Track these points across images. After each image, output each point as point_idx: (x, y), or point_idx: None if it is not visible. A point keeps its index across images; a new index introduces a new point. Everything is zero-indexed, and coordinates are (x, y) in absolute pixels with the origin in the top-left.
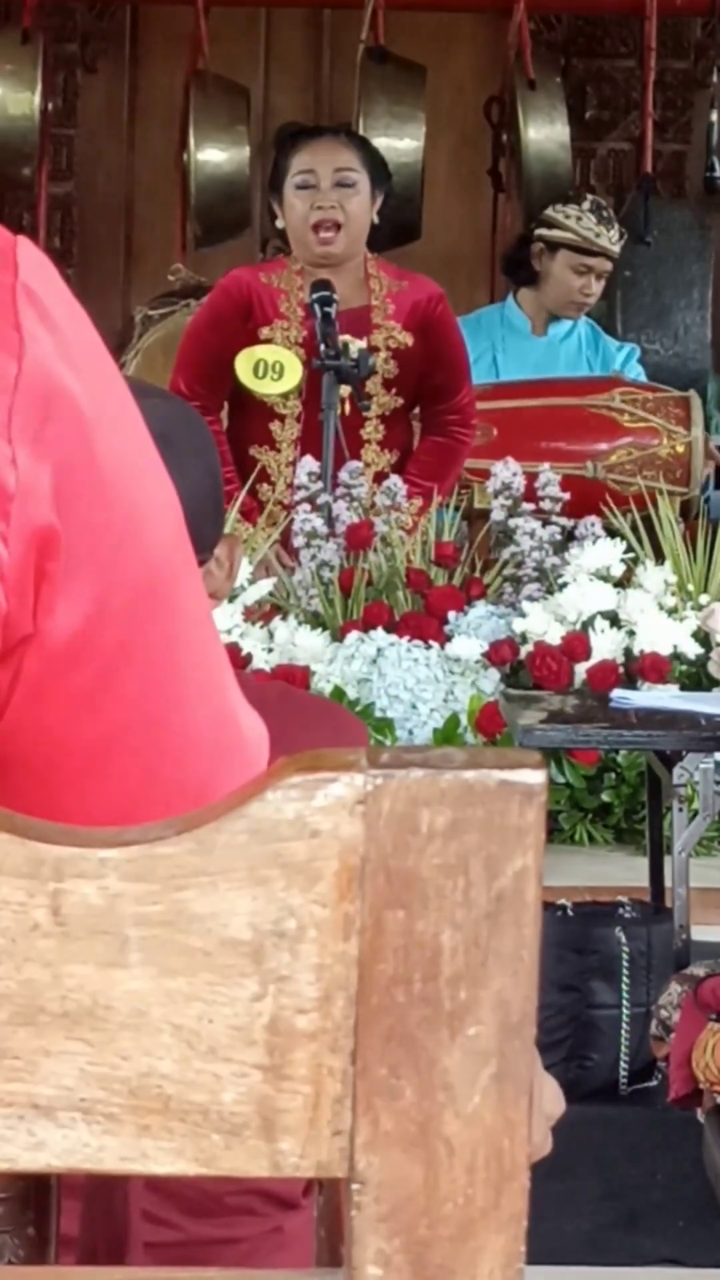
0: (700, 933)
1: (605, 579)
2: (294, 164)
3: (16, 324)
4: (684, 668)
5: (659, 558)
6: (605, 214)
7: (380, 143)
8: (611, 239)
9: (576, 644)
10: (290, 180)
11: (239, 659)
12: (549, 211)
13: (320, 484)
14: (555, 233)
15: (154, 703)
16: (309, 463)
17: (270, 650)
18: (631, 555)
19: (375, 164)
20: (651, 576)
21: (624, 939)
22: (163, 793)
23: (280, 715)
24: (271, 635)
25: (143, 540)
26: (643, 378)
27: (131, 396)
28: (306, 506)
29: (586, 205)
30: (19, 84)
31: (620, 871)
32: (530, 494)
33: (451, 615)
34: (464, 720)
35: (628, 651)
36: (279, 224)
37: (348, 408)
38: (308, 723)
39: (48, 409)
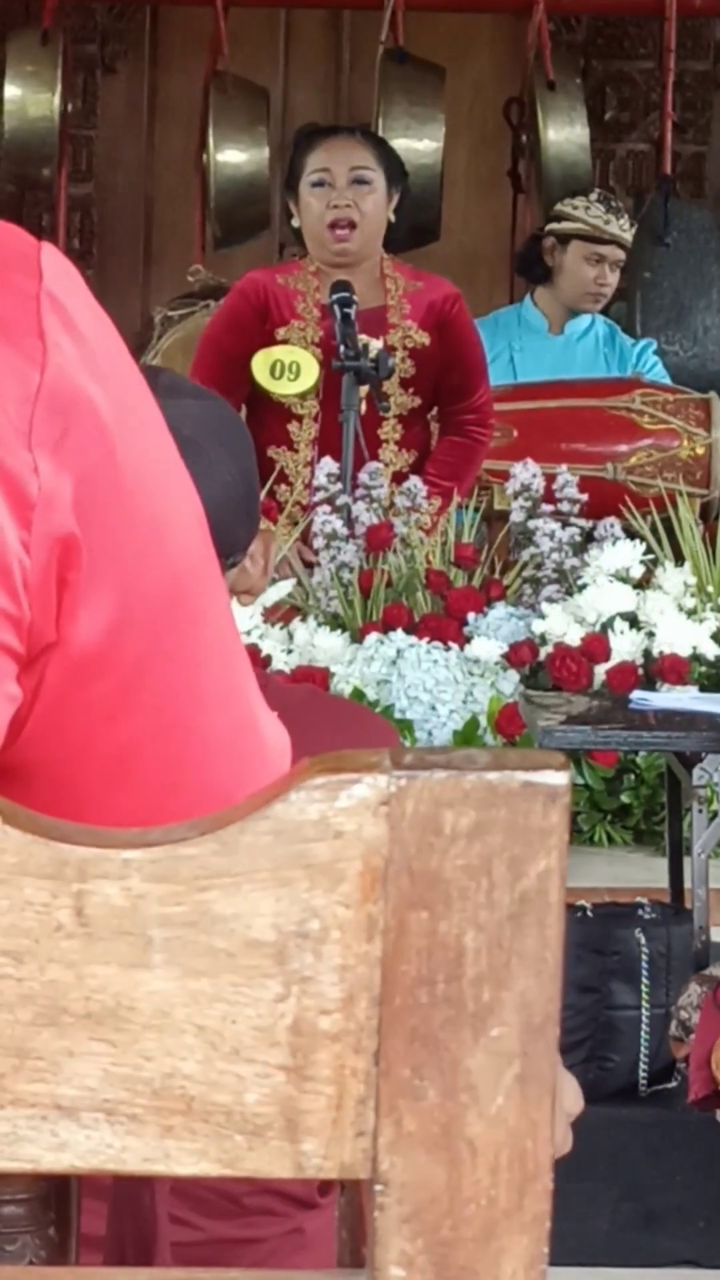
0: None
1: (625, 580)
2: (309, 163)
3: (40, 332)
4: (703, 669)
5: (678, 559)
6: (614, 204)
7: (399, 143)
8: (622, 226)
9: (596, 645)
10: (306, 179)
11: (259, 660)
12: (558, 206)
13: (340, 485)
14: (565, 225)
15: (176, 712)
16: (328, 464)
17: (290, 651)
18: (651, 557)
19: (391, 162)
20: (671, 578)
21: (644, 940)
22: (185, 801)
23: (307, 717)
24: (291, 636)
25: (166, 550)
26: (661, 368)
27: (154, 403)
28: (326, 508)
29: (594, 196)
30: (39, 85)
31: (640, 873)
32: (549, 495)
33: (471, 616)
34: (483, 722)
35: (647, 653)
36: (294, 224)
37: (364, 408)
38: (335, 725)
39: (69, 418)
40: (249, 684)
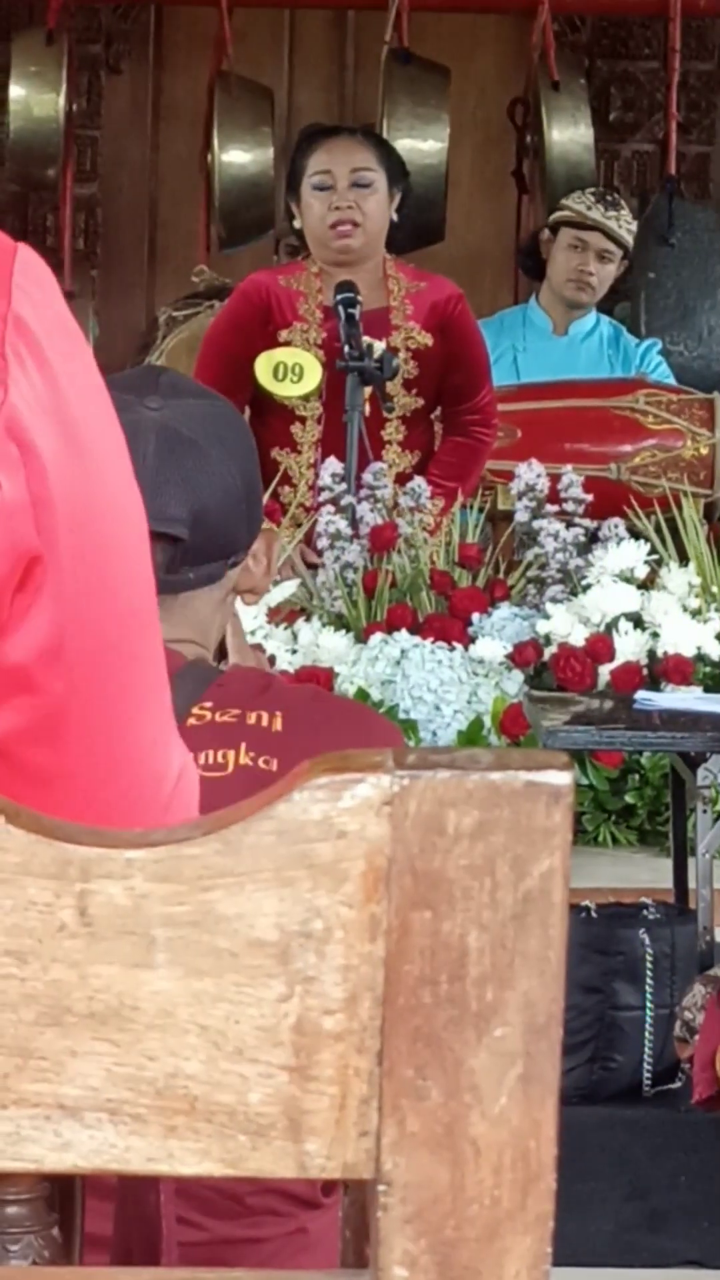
0: None
1: (629, 581)
2: (311, 164)
3: (1, 354)
4: (708, 669)
5: (683, 560)
6: (610, 199)
7: (404, 144)
8: (609, 216)
9: (600, 646)
10: (307, 181)
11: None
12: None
13: (344, 485)
14: (555, 215)
15: (103, 747)
16: (333, 464)
17: (294, 652)
18: (655, 557)
19: (392, 163)
20: (675, 578)
21: (648, 940)
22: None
23: (312, 718)
24: (295, 637)
25: (111, 589)
26: (665, 368)
27: (116, 422)
28: (330, 508)
29: (590, 190)
30: (43, 85)
31: (644, 873)
32: (554, 496)
33: (475, 617)
34: (488, 722)
35: (651, 653)
36: (296, 224)
37: (368, 409)
38: (339, 725)
39: (24, 453)
40: (170, 725)
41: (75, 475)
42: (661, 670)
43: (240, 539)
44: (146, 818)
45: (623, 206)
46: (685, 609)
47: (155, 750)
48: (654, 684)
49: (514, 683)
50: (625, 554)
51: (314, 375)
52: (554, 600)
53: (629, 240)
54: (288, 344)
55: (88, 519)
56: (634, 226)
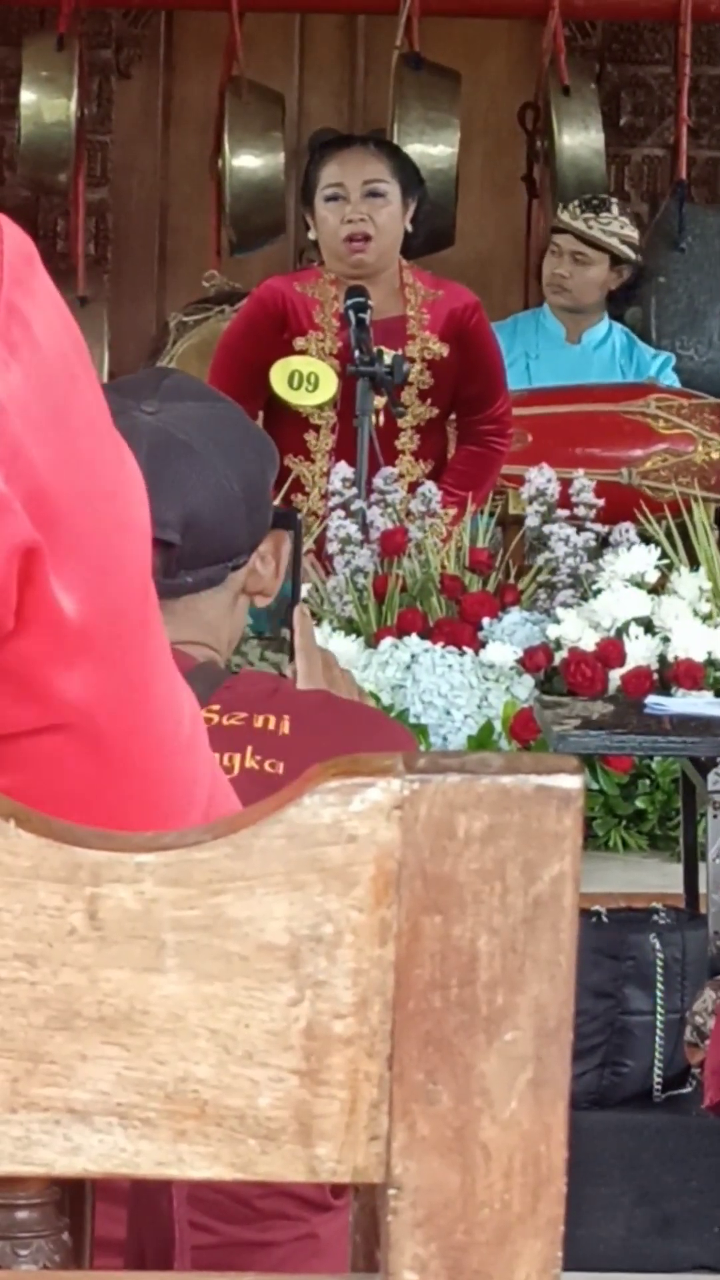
0: None
1: (640, 585)
2: (323, 176)
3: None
4: (718, 674)
5: (693, 564)
6: (595, 202)
7: (415, 149)
8: (584, 218)
9: (611, 650)
10: (320, 193)
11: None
12: None
13: (354, 490)
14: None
15: (125, 694)
16: (343, 468)
17: None
18: (666, 562)
19: (406, 172)
20: (686, 583)
21: (658, 945)
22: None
23: (320, 722)
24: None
25: (121, 563)
26: (676, 384)
27: (105, 408)
28: (341, 513)
29: (583, 196)
30: (54, 90)
31: (654, 878)
32: (565, 500)
33: (486, 621)
34: (498, 727)
35: (662, 658)
36: (311, 235)
37: (382, 418)
38: (350, 730)
39: (13, 448)
40: (176, 673)
41: (68, 456)
42: (672, 675)
43: (239, 542)
44: (174, 757)
45: (609, 209)
46: (696, 614)
47: (169, 702)
48: (664, 689)
49: (524, 687)
50: (636, 559)
51: (329, 385)
52: (565, 605)
53: (607, 241)
54: (303, 352)
55: (85, 512)
56: (622, 229)
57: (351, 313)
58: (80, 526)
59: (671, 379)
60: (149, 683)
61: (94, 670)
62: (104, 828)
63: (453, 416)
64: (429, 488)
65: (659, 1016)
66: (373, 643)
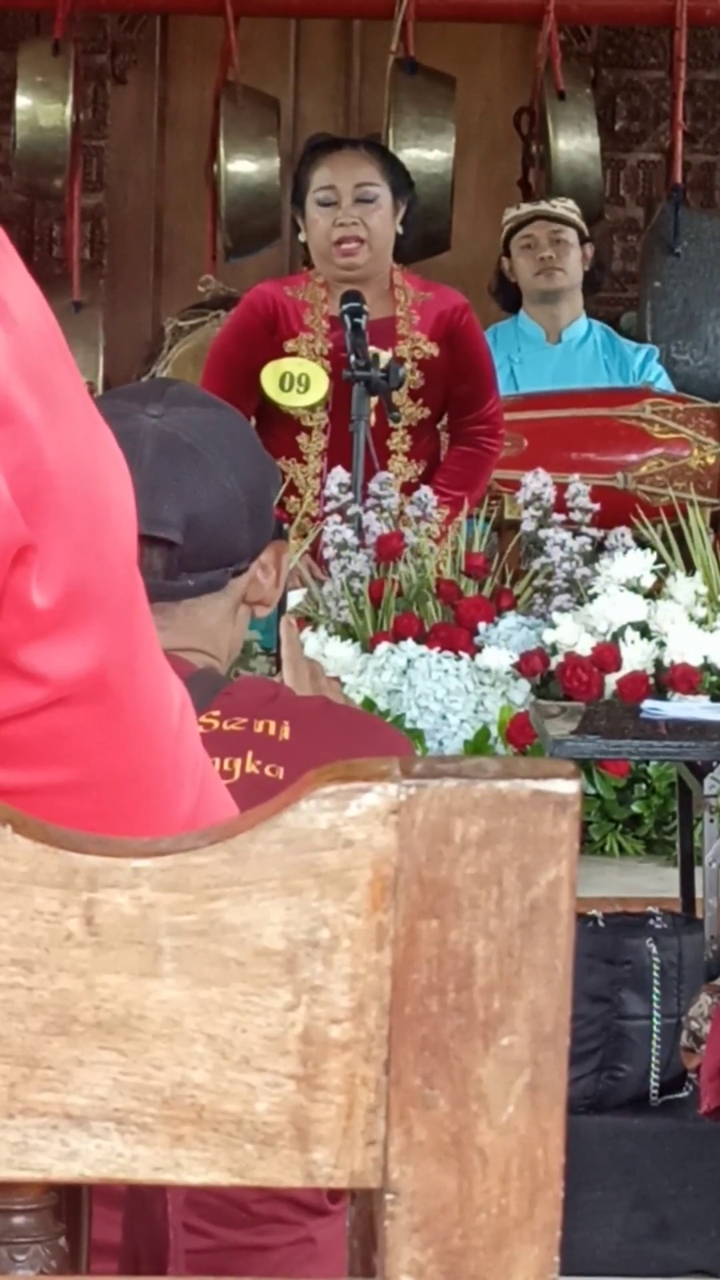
0: None
1: (636, 590)
2: (314, 179)
3: None
4: (714, 678)
5: (689, 569)
6: (540, 196)
7: (410, 153)
8: (539, 203)
9: (607, 655)
10: (311, 196)
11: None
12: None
13: (350, 495)
14: (503, 238)
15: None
16: (339, 473)
17: None
18: (662, 566)
19: (396, 175)
20: (682, 587)
21: (655, 950)
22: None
23: (319, 728)
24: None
25: (107, 540)
26: (664, 377)
27: (83, 387)
28: (337, 518)
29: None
30: (50, 95)
31: (651, 882)
32: (560, 505)
33: (482, 626)
34: (494, 731)
35: (658, 662)
36: (302, 238)
37: (373, 419)
38: (347, 735)
39: (8, 411)
40: (164, 660)
41: (58, 425)
42: (668, 679)
43: (241, 547)
44: (164, 744)
45: (555, 196)
46: (692, 618)
47: (161, 683)
48: (661, 693)
49: (520, 692)
50: (632, 563)
51: (320, 386)
52: (560, 609)
53: (571, 216)
54: (294, 354)
55: (69, 483)
56: (572, 205)
57: (347, 317)
58: (70, 494)
59: (659, 370)
60: (134, 658)
61: (96, 636)
62: (124, 789)
63: (444, 420)
64: (424, 492)
65: (655, 1021)
66: (369, 647)
